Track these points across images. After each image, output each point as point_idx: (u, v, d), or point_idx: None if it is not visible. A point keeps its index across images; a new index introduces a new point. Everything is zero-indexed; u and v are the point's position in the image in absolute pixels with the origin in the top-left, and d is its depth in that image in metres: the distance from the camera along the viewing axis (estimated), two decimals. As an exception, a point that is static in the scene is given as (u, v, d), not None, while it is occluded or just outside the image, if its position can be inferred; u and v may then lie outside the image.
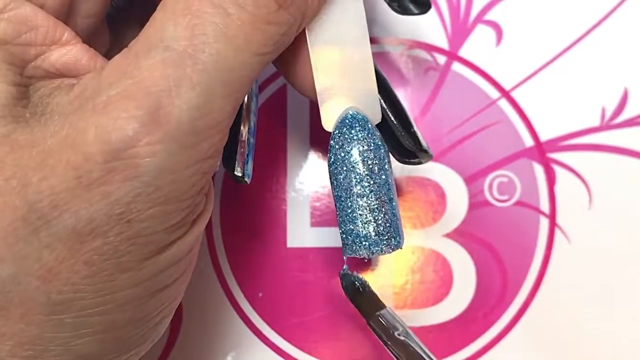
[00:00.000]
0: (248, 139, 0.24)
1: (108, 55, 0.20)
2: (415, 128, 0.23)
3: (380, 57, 0.31)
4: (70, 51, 0.19)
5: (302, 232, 0.30)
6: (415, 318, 0.30)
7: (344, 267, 0.24)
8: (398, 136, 0.23)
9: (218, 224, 0.30)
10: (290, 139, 0.31)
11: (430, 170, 0.30)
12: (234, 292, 0.30)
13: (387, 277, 0.30)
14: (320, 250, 0.30)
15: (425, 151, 0.23)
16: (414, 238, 0.30)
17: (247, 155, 0.24)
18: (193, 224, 0.19)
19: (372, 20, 0.30)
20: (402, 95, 0.31)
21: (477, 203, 0.30)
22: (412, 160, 0.23)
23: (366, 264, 0.30)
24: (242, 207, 0.30)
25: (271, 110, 0.31)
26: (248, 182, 0.24)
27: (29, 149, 0.17)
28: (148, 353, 0.21)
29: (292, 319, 0.30)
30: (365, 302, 0.24)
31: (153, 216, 0.17)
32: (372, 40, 0.31)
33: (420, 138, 0.23)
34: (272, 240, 0.30)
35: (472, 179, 0.30)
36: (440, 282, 0.30)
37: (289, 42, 0.19)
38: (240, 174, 0.23)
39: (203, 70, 0.17)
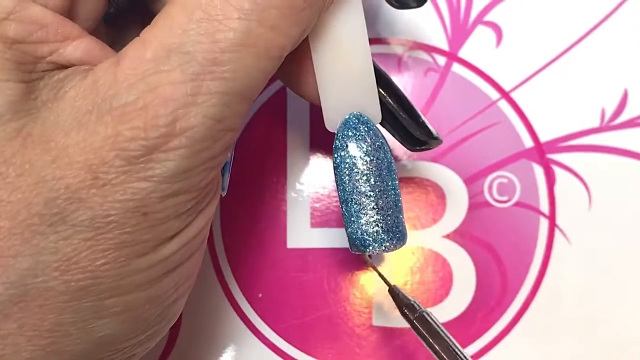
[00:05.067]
0: None
1: None
2: (423, 117, 0.24)
3: (380, 58, 0.31)
4: (82, 44, 0.19)
5: (302, 232, 0.30)
6: (415, 318, 0.30)
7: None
8: (409, 129, 0.23)
9: (218, 224, 0.30)
10: (290, 139, 0.31)
11: (430, 171, 0.30)
12: (234, 292, 0.30)
13: (386, 277, 0.30)
14: (320, 250, 0.30)
15: (436, 138, 0.24)
16: (413, 239, 0.30)
17: (224, 168, 0.24)
18: (203, 208, 0.20)
19: (372, 21, 0.30)
20: (402, 96, 0.31)
21: (476, 204, 0.30)
22: (422, 148, 0.24)
23: (365, 264, 0.30)
24: (242, 207, 0.30)
25: (271, 110, 0.31)
26: (223, 195, 0.24)
27: (42, 144, 0.18)
28: (148, 352, 0.21)
29: (292, 319, 0.30)
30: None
31: (167, 208, 0.18)
32: (372, 41, 0.31)
33: (429, 126, 0.24)
34: (272, 240, 0.30)
35: (471, 180, 0.30)
36: (440, 283, 0.30)
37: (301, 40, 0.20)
38: None
39: (221, 78, 0.17)
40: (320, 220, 0.30)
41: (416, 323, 0.23)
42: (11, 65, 0.18)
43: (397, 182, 0.23)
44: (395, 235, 0.22)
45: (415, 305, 0.24)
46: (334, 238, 0.30)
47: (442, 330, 0.23)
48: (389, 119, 0.23)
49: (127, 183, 0.17)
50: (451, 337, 0.23)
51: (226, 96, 0.18)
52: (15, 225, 0.17)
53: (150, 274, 0.19)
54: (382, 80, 0.23)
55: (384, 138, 0.22)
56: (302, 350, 0.30)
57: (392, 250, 0.23)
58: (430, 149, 0.24)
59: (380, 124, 0.23)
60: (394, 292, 0.24)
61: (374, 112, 0.22)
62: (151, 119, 0.17)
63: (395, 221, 0.22)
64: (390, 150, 0.23)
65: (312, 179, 0.30)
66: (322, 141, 0.31)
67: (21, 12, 0.18)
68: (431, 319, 0.23)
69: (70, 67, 0.19)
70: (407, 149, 0.24)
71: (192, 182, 0.18)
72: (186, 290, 0.21)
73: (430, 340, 0.23)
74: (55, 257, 0.18)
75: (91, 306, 0.18)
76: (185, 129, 0.17)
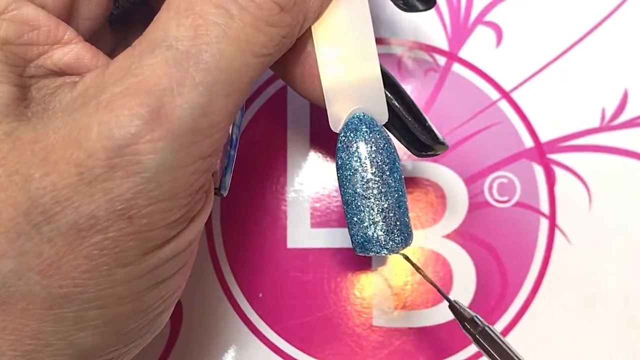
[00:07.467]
0: (228, 151, 0.24)
1: (112, 56, 0.20)
2: (430, 122, 0.23)
3: (380, 58, 0.31)
4: (72, 50, 0.19)
5: (302, 232, 0.30)
6: (415, 319, 0.30)
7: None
8: (414, 132, 0.23)
9: (218, 224, 0.30)
10: (290, 139, 0.31)
11: (430, 171, 0.30)
12: (234, 292, 0.30)
13: (387, 277, 0.30)
14: (320, 250, 0.30)
15: (442, 143, 0.23)
16: (413, 239, 0.30)
17: (226, 167, 0.23)
18: (192, 219, 0.19)
19: (372, 21, 0.30)
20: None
21: (477, 204, 0.30)
22: (428, 153, 0.24)
23: (366, 264, 0.30)
24: (242, 207, 0.30)
25: (271, 110, 0.31)
26: (224, 195, 0.24)
27: (31, 145, 0.18)
28: (148, 353, 0.21)
29: (292, 319, 0.30)
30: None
31: (153, 213, 0.18)
32: (373, 41, 0.31)
33: (436, 130, 0.23)
34: (272, 240, 0.30)
35: (472, 180, 0.30)
36: (440, 283, 0.30)
37: (291, 44, 0.20)
38: (216, 186, 0.23)
39: (205, 69, 0.17)
40: (320, 220, 0.30)
41: (479, 337, 0.23)
42: (2, 66, 0.18)
43: (402, 182, 0.22)
44: (399, 237, 0.22)
45: (477, 320, 0.23)
46: (334, 238, 0.30)
47: (505, 344, 0.23)
48: (395, 121, 0.23)
49: (113, 180, 0.17)
50: (515, 351, 0.23)
51: (211, 87, 0.17)
52: (1, 224, 0.17)
53: (134, 286, 0.18)
54: (388, 82, 0.23)
55: (389, 139, 0.22)
56: (302, 350, 0.30)
57: (397, 252, 0.22)
58: (436, 154, 0.24)
59: (386, 127, 0.22)
60: (454, 307, 0.23)
61: (381, 112, 0.22)
62: (136, 105, 0.17)
63: (399, 223, 0.22)
64: (396, 151, 0.22)
65: (312, 179, 0.30)
66: (323, 141, 0.31)
67: (14, 12, 0.18)
68: (493, 332, 0.23)
69: (59, 71, 0.19)
70: (413, 154, 0.24)
71: (180, 185, 0.18)
72: (173, 302, 0.21)
73: (494, 354, 0.23)
74: (38, 259, 0.17)
75: (73, 317, 0.18)
76: (171, 118, 0.17)
